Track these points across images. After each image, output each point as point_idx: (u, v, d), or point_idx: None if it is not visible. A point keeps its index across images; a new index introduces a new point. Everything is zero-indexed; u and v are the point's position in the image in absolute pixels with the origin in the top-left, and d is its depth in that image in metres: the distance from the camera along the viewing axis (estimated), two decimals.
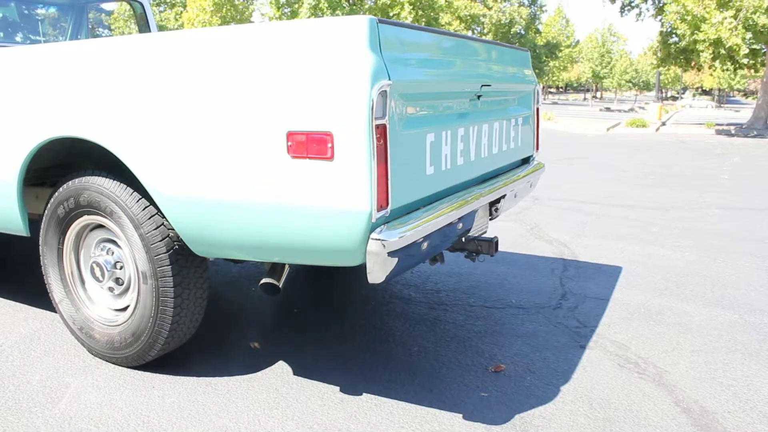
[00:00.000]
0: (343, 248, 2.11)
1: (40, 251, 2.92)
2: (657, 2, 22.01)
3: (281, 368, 2.84)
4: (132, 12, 5.29)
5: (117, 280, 2.78)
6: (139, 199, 2.51)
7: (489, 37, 41.37)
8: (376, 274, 2.13)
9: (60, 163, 3.00)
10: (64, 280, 2.91)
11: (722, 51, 17.97)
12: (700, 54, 18.88)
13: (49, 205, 2.82)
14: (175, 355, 2.86)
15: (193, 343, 2.97)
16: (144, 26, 5.22)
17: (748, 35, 17.44)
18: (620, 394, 2.64)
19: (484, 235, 3.10)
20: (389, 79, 2.02)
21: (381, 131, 2.01)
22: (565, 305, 3.64)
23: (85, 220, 2.75)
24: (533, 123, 3.66)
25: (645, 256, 4.74)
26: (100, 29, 6.05)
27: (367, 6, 29.71)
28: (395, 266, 2.15)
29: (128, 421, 2.39)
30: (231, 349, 3.03)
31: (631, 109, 38.39)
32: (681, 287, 4.01)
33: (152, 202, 2.50)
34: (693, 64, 21.55)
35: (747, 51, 17.72)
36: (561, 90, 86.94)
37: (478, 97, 2.80)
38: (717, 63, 19.03)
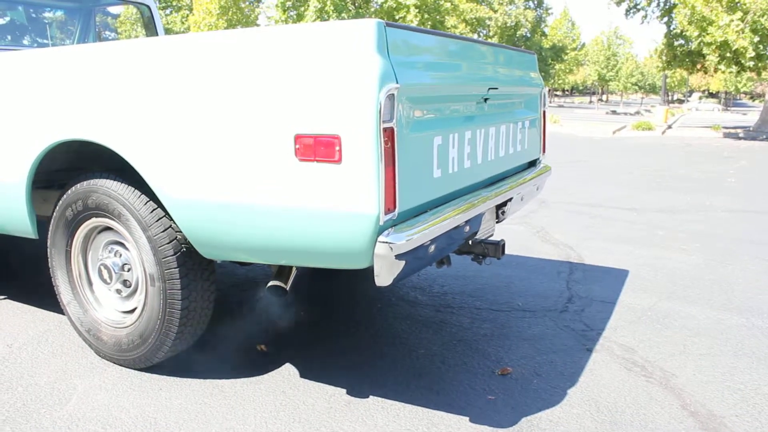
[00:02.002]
0: (350, 251, 2.11)
1: (48, 253, 2.94)
2: (663, 5, 21.97)
3: (288, 371, 2.84)
4: (139, 15, 5.31)
5: (125, 283, 2.79)
6: (147, 201, 2.52)
7: (495, 40, 41.36)
8: (383, 277, 2.13)
9: (68, 166, 3.01)
10: (72, 282, 2.92)
11: (729, 54, 17.93)
12: (707, 56, 18.84)
13: (57, 208, 2.83)
14: (183, 357, 2.87)
15: (201, 346, 2.97)
16: (151, 29, 5.24)
17: (755, 38, 17.38)
18: (627, 397, 2.63)
19: (490, 238, 3.09)
20: (397, 83, 2.02)
21: (388, 134, 2.02)
22: (572, 308, 3.64)
23: (93, 222, 2.76)
24: (540, 126, 3.66)
25: (652, 259, 4.73)
26: (107, 32, 6.08)
27: (372, 9, 29.76)
28: (402, 269, 2.16)
29: (136, 423, 2.40)
30: (238, 352, 3.03)
31: (637, 112, 38.32)
32: (688, 290, 4.00)
33: (160, 205, 2.51)
34: (699, 66, 21.50)
35: (753, 54, 17.67)
36: (567, 93, 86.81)
37: (485, 100, 2.80)
38: (722, 66, 18.98)
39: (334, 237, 2.11)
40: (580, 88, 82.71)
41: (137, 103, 2.42)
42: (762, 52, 17.92)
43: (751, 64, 18.33)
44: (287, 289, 2.60)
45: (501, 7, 43.98)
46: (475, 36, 41.37)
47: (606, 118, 30.25)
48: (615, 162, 11.53)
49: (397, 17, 28.64)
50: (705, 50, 18.53)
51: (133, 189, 2.55)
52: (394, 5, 28.77)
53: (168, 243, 2.50)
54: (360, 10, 29.70)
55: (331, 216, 2.08)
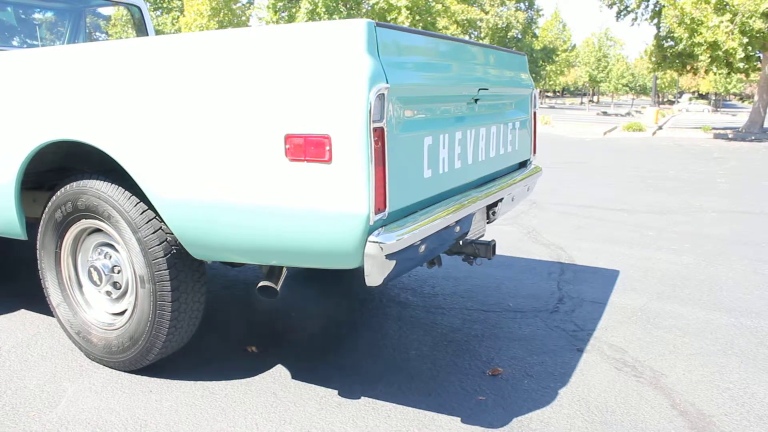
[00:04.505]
0: (340, 251, 2.11)
1: (38, 255, 2.92)
2: (654, 7, 22.10)
3: (279, 372, 2.84)
4: (129, 16, 5.29)
5: (114, 284, 2.78)
6: (137, 203, 2.51)
7: (486, 42, 41.45)
8: (373, 277, 2.13)
9: (58, 167, 3.00)
10: (62, 284, 2.91)
11: (720, 54, 18.04)
12: (698, 57, 18.96)
13: (46, 209, 2.81)
14: (173, 359, 2.86)
15: (191, 347, 2.96)
16: (141, 30, 5.22)
17: (744, 40, 17.51)
18: (617, 397, 2.64)
19: (481, 239, 3.10)
20: (387, 83, 2.02)
21: (379, 134, 2.02)
22: (563, 309, 3.65)
23: (83, 224, 2.75)
24: (530, 127, 3.67)
25: (642, 259, 4.75)
26: (98, 33, 6.06)
27: (364, 11, 29.78)
28: (393, 269, 2.16)
29: (125, 426, 2.39)
30: (228, 353, 3.02)
31: (628, 113, 38.48)
32: (678, 291, 4.02)
33: (150, 206, 2.50)
34: (689, 68, 21.63)
35: (743, 55, 17.80)
36: (558, 94, 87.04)
37: (476, 100, 2.81)
38: (714, 67, 19.11)
39: (324, 237, 2.10)
40: (571, 89, 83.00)
41: (127, 103, 2.41)
42: (751, 53, 18.05)
43: (741, 65, 18.45)
44: (277, 289, 2.60)
45: (492, 8, 44.07)
46: (467, 37, 41.44)
47: (597, 119, 30.35)
48: (606, 163, 11.57)
49: (388, 18, 28.66)
50: (696, 51, 18.65)
51: (123, 190, 2.54)
52: (386, 6, 28.80)
53: (158, 245, 2.49)
54: (351, 12, 29.71)
55: (322, 216, 2.08)
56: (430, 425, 2.41)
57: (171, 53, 2.39)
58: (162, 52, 2.43)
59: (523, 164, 3.67)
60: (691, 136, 19.66)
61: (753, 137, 18.65)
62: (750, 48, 17.89)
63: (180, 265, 2.54)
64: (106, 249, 2.77)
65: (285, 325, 3.40)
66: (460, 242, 2.96)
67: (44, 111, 2.66)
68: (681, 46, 19.48)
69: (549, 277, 4.27)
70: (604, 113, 40.02)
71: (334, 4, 29.10)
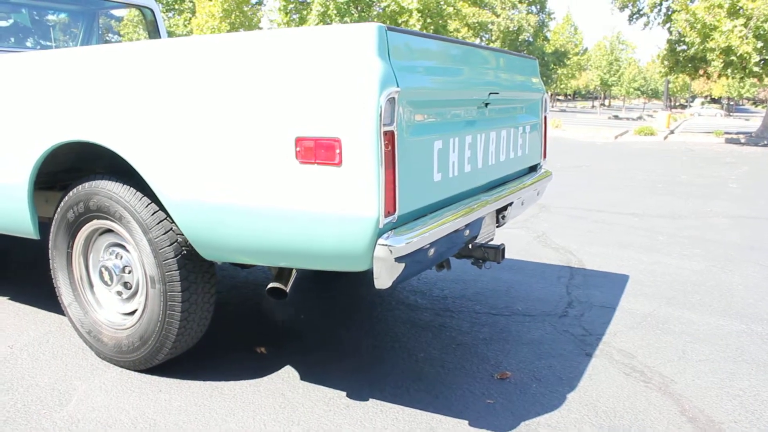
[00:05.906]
0: (350, 253, 2.12)
1: (50, 255, 2.95)
2: (667, 11, 22.00)
3: (287, 373, 2.85)
4: (142, 18, 5.33)
5: (125, 284, 2.80)
6: (149, 203, 2.53)
7: (497, 45, 41.42)
8: (383, 280, 2.14)
9: (70, 167, 3.02)
10: (73, 283, 2.93)
11: (734, 59, 17.92)
12: (711, 62, 18.85)
13: (58, 209, 2.84)
14: (183, 359, 2.88)
15: (200, 348, 2.98)
16: (154, 32, 5.26)
17: (759, 44, 17.39)
18: (626, 402, 2.63)
19: (490, 242, 3.10)
20: (397, 86, 2.03)
21: (389, 138, 2.03)
22: (572, 313, 3.64)
23: (95, 224, 2.77)
24: (541, 131, 3.66)
25: (652, 264, 4.73)
26: (111, 35, 6.10)
27: (375, 13, 29.79)
28: (402, 272, 2.16)
29: (135, 424, 2.40)
30: (238, 354, 3.04)
31: (640, 117, 38.35)
32: (688, 296, 4.00)
33: (161, 207, 2.52)
34: (702, 72, 21.51)
35: (758, 59, 17.68)
36: (569, 97, 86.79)
37: (486, 104, 2.81)
38: (729, 71, 18.97)
39: (334, 239, 2.11)
40: (583, 92, 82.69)
41: (139, 105, 2.43)
42: (766, 57, 17.92)
43: (757, 69, 18.31)
44: (287, 291, 2.61)
45: (503, 11, 43.99)
46: (478, 40, 41.43)
47: (608, 123, 30.24)
48: (617, 167, 11.52)
49: (399, 21, 28.67)
50: (709, 56, 18.54)
51: (134, 191, 2.56)
52: (397, 9, 28.79)
53: (169, 245, 2.51)
54: (362, 14, 29.73)
55: (331, 218, 2.09)
56: (437, 428, 2.41)
57: (183, 56, 2.41)
58: (174, 54, 2.45)
59: (533, 168, 3.67)
60: (703, 140, 19.56)
61: (766, 142, 18.52)
62: (765, 52, 17.75)
63: (190, 265, 2.56)
64: (117, 249, 2.80)
65: (294, 327, 3.41)
66: (470, 246, 2.97)
67: (57, 112, 2.68)
68: (693, 50, 19.37)
69: (558, 281, 4.26)
70: (616, 117, 39.92)
71: (345, 7, 29.13)
